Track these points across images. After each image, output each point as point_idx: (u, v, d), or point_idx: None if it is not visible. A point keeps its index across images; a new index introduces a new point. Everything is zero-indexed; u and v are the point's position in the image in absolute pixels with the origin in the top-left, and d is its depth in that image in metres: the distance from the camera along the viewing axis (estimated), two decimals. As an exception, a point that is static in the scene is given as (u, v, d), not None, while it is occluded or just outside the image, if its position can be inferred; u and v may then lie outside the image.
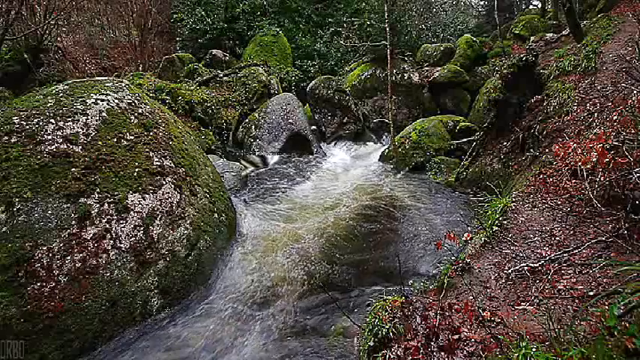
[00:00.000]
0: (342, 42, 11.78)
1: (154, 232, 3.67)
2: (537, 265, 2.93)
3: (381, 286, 3.72)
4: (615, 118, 4.10)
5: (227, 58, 12.06)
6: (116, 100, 4.06)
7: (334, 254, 4.51)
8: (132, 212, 3.58)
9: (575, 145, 4.14)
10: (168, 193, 3.94)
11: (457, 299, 2.78)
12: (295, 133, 8.89)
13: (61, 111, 3.62)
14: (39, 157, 3.28)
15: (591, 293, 2.44)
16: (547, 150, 5.02)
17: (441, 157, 7.77)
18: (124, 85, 4.40)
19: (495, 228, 3.65)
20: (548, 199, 4.01)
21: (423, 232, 5.00)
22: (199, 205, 4.26)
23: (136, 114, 4.14)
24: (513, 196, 4.35)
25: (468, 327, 2.29)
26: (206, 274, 4.00)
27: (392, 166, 8.00)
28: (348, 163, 8.66)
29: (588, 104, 5.21)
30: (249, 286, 3.93)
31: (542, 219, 3.71)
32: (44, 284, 2.96)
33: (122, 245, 3.42)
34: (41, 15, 10.43)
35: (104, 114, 3.86)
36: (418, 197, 6.31)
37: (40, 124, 3.44)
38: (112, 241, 3.37)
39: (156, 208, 3.76)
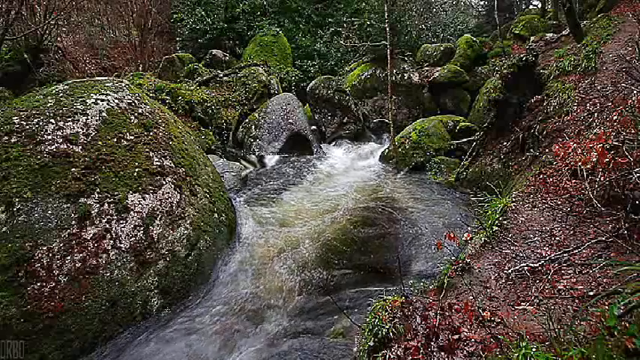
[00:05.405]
0: (342, 42, 11.77)
1: (154, 232, 3.67)
2: (537, 265, 2.93)
3: (381, 286, 3.71)
4: (615, 118, 4.09)
5: (227, 58, 12.06)
6: (116, 100, 4.06)
7: (334, 254, 4.50)
8: (132, 212, 3.58)
9: (575, 145, 4.14)
10: (168, 193, 3.94)
11: (457, 299, 2.78)
12: (295, 133, 8.88)
13: (61, 111, 3.63)
14: (39, 157, 3.28)
15: (591, 293, 2.44)
16: (547, 150, 5.02)
17: (441, 157, 7.76)
18: (124, 85, 4.40)
19: (495, 228, 3.65)
20: (548, 199, 4.00)
21: (423, 232, 5.00)
22: (199, 205, 4.26)
23: (136, 114, 4.14)
24: (513, 196, 4.35)
25: (468, 327, 2.29)
26: (206, 274, 4.01)
27: (392, 166, 7.99)
28: (348, 163, 8.65)
29: (588, 104, 5.21)
30: (250, 286, 3.93)
31: (542, 219, 3.70)
32: (44, 284, 2.97)
33: (122, 245, 3.42)
34: (41, 15, 10.43)
35: (104, 114, 3.86)
36: (418, 197, 6.30)
37: (40, 124, 3.45)
38: (112, 241, 3.37)
39: (156, 208, 3.77)
